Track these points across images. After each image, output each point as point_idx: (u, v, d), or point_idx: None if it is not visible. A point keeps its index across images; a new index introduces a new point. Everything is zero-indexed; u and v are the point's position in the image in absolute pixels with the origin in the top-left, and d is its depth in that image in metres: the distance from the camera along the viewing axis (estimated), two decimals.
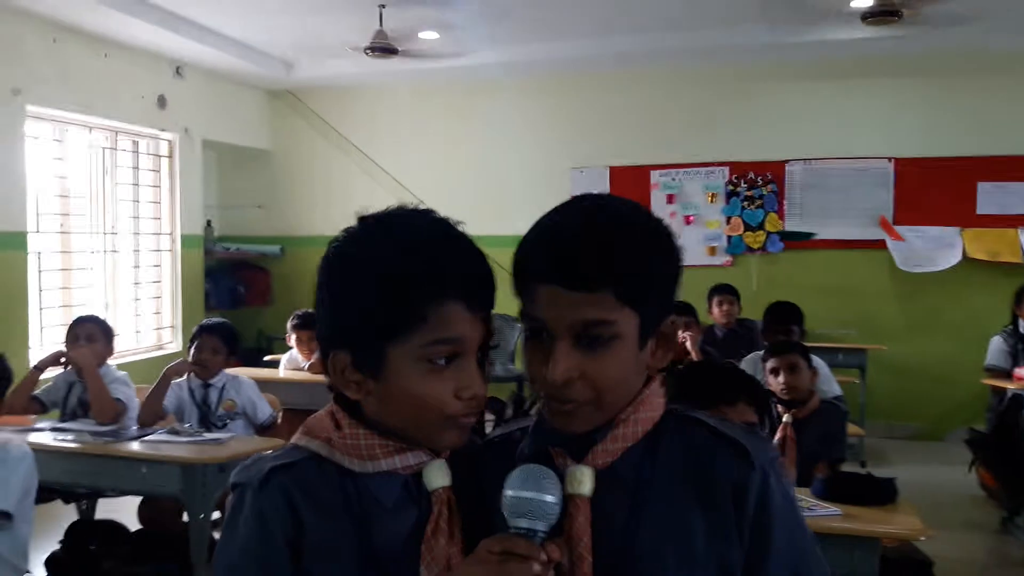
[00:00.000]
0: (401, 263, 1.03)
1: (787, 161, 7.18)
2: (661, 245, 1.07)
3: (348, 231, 1.10)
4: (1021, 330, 5.63)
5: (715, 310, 5.65)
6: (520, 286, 1.07)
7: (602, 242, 1.01)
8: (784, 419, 3.38)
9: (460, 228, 1.10)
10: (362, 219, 1.10)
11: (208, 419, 3.91)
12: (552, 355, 1.02)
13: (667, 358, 1.12)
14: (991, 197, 6.75)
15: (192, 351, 3.95)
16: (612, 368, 1.03)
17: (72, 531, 3.92)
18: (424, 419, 1.06)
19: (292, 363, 5.39)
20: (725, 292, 5.70)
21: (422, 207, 1.11)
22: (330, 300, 1.09)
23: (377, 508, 1.06)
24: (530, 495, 0.96)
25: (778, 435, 3.38)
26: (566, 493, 1.01)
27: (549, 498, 0.97)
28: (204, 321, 4.14)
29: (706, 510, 1.04)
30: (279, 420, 4.11)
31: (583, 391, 1.03)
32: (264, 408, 4.02)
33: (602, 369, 1.03)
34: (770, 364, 3.49)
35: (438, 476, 1.06)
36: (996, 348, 5.69)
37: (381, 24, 5.98)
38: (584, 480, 1.02)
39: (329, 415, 1.11)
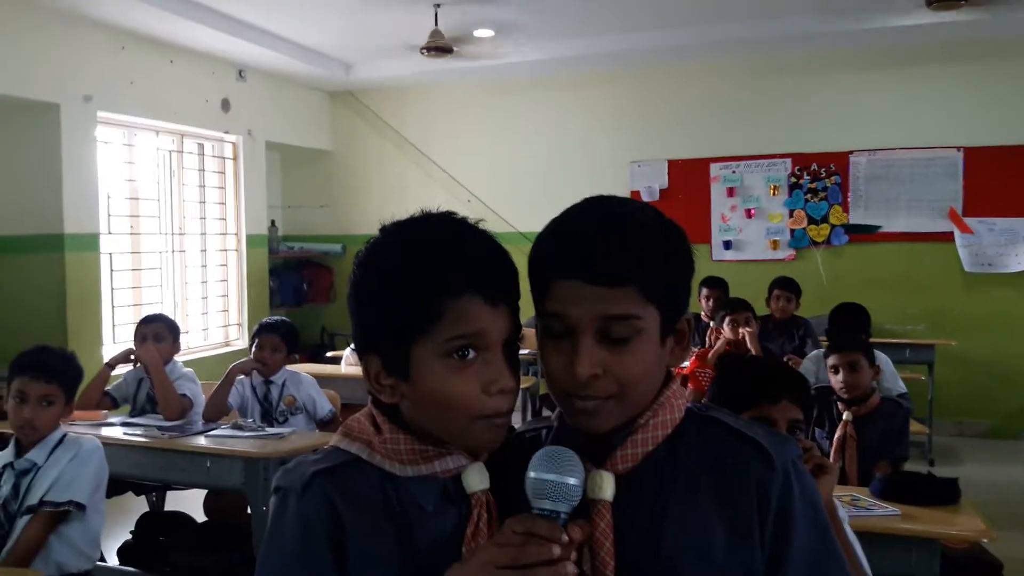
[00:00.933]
0: (412, 263, 1.04)
1: (851, 152, 7.01)
2: (680, 245, 1.08)
3: (370, 241, 1.12)
4: None
5: (772, 303, 5.57)
6: (539, 283, 1.07)
7: (625, 237, 1.02)
8: (844, 417, 3.34)
9: (480, 226, 1.10)
10: (382, 228, 1.12)
11: (270, 415, 4.00)
12: (576, 351, 1.02)
13: (684, 356, 1.12)
14: None
15: (253, 349, 4.04)
16: (636, 364, 1.04)
17: (143, 522, 4.05)
18: (454, 418, 1.05)
19: (354, 358, 5.46)
20: (784, 287, 5.60)
21: (444, 211, 1.12)
22: (356, 308, 1.12)
23: (418, 511, 1.06)
24: (552, 477, 0.97)
25: (838, 432, 3.33)
26: (587, 498, 1.01)
27: (572, 480, 0.98)
28: (264, 320, 4.22)
29: (728, 513, 1.03)
30: (339, 415, 4.18)
31: (607, 387, 1.03)
32: (324, 404, 4.09)
33: (626, 365, 1.03)
34: (831, 360, 3.45)
35: (477, 479, 1.07)
36: None
37: (436, 23, 6.02)
38: (605, 485, 1.02)
39: (369, 417, 1.13)
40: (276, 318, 4.25)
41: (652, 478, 1.05)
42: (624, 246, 1.01)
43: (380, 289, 1.07)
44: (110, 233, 6.11)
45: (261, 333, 4.04)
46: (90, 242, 5.78)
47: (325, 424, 4.07)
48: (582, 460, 1.01)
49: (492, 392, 1.05)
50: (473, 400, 1.04)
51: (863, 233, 7.02)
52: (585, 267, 1.01)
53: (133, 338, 4.13)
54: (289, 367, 4.16)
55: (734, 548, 1.02)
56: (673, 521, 1.03)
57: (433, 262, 1.04)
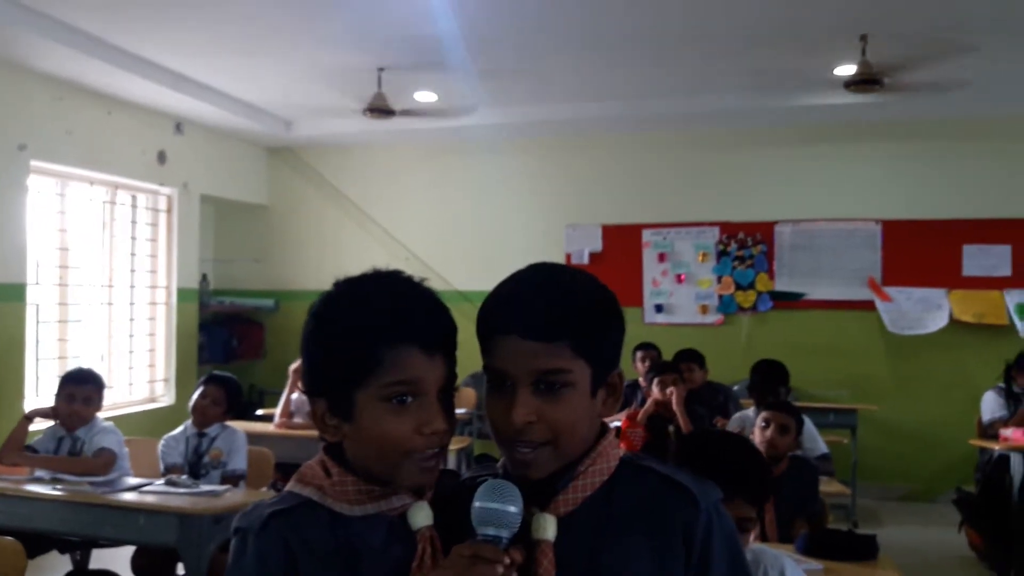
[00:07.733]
0: (358, 315, 1.16)
1: (776, 222, 7.31)
2: (609, 306, 1.20)
3: (323, 294, 1.22)
4: (1014, 390, 5.62)
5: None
6: (483, 341, 1.18)
7: (559, 297, 1.15)
8: None
9: (424, 284, 1.22)
10: (335, 282, 1.23)
11: (196, 468, 3.96)
12: (513, 401, 1.13)
13: (616, 407, 1.24)
14: (975, 259, 6.88)
15: (195, 397, 4.02)
16: (567, 412, 1.14)
17: None
18: (389, 456, 1.15)
19: (298, 404, 5.37)
20: (689, 359, 5.69)
21: (392, 269, 1.23)
22: (307, 355, 1.22)
23: (366, 549, 1.15)
24: (495, 506, 1.09)
25: None
26: (531, 539, 1.12)
27: (512, 508, 1.09)
28: (214, 372, 4.22)
29: (657, 550, 1.14)
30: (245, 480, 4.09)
31: (542, 432, 1.13)
32: (240, 463, 4.02)
33: (558, 413, 1.14)
34: (765, 415, 3.54)
35: (421, 516, 1.16)
36: (992, 402, 5.65)
37: (380, 87, 6.12)
38: (548, 527, 1.13)
39: (320, 464, 1.22)
40: (224, 374, 4.22)
41: (590, 519, 1.15)
42: (557, 306, 1.13)
43: (328, 338, 1.17)
44: (37, 284, 5.96)
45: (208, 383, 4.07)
46: (16, 292, 5.62)
47: (227, 479, 3.98)
48: (526, 505, 1.11)
49: (425, 433, 1.15)
50: (405, 439, 1.14)
51: (788, 300, 7.27)
52: (522, 324, 1.12)
53: (56, 394, 3.99)
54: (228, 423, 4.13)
55: None
56: (608, 557, 1.13)
57: (375, 314, 1.14)
